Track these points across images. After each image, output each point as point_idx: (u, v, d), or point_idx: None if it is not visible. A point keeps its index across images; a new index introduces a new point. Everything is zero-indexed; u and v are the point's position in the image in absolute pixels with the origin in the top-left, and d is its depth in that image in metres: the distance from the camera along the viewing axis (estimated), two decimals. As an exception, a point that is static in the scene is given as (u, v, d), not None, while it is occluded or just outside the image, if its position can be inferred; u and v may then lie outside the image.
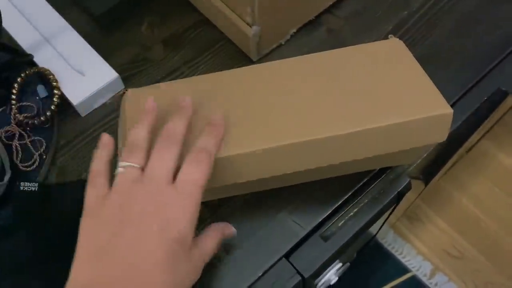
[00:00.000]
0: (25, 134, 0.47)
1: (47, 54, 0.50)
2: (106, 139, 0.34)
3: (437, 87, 0.38)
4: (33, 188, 0.43)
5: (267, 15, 0.46)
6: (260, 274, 0.40)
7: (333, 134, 0.35)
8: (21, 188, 0.43)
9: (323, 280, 0.49)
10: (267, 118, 0.37)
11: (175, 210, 0.29)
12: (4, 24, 0.50)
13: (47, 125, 0.47)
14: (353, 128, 0.35)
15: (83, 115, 0.49)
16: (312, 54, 0.42)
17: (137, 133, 0.32)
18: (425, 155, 0.46)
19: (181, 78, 0.51)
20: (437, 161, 0.53)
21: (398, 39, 0.42)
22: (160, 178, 0.30)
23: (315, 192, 0.44)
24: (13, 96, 0.47)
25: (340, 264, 0.49)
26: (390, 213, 0.58)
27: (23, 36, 0.51)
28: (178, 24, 0.55)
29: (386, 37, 0.53)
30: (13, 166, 0.45)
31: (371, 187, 0.44)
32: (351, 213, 0.44)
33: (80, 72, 0.49)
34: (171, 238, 0.29)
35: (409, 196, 0.55)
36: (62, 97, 0.48)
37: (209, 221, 0.43)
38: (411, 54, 0.41)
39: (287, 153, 0.35)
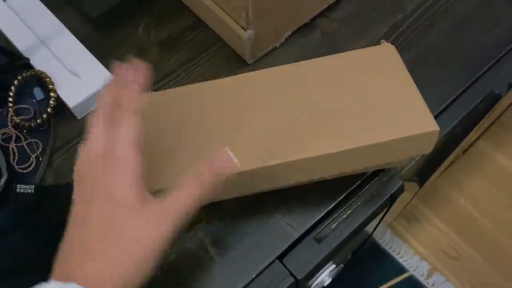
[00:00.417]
0: (21, 137, 0.47)
1: (43, 56, 0.50)
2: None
3: (433, 88, 0.39)
4: (29, 190, 0.44)
5: (261, 19, 0.47)
6: (253, 276, 0.41)
7: (320, 154, 0.36)
8: (18, 190, 0.43)
9: (316, 282, 0.50)
10: (248, 138, 0.37)
11: (114, 177, 0.30)
12: (0, 27, 0.50)
13: (43, 128, 0.48)
14: (341, 147, 0.36)
15: (79, 117, 0.49)
16: (304, 61, 0.42)
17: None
18: (418, 157, 0.47)
19: (177, 80, 0.52)
20: (431, 163, 0.53)
21: (390, 44, 0.43)
22: (93, 153, 0.32)
23: (308, 194, 0.44)
24: (10, 99, 0.48)
25: (334, 266, 0.50)
26: (384, 215, 0.58)
27: (19, 38, 0.51)
28: (174, 26, 0.55)
29: (381, 40, 0.53)
30: (10, 168, 0.45)
31: (364, 189, 0.45)
32: (345, 215, 0.44)
33: (76, 74, 0.49)
34: (114, 203, 0.30)
35: (404, 197, 0.55)
36: (59, 99, 0.48)
37: (203, 223, 0.43)
38: (402, 62, 0.41)
39: (275, 170, 0.36)
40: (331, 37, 0.54)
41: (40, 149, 0.47)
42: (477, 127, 0.57)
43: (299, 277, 0.41)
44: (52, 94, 0.47)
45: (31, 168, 0.46)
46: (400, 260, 1.17)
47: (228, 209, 0.44)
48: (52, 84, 0.48)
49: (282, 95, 0.40)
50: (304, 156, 0.36)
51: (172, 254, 0.42)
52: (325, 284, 0.53)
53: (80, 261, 0.29)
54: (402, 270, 1.16)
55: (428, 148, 0.39)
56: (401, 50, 0.45)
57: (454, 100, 0.50)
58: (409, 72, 0.41)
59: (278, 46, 0.53)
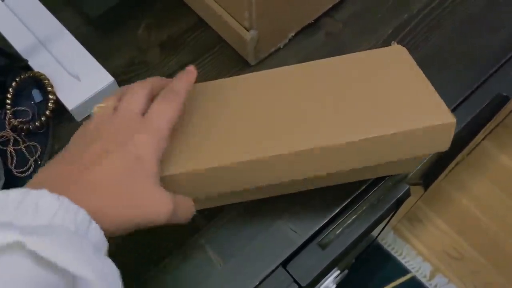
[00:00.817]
0: (19, 140, 0.46)
1: (42, 58, 0.49)
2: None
3: (438, 89, 0.37)
4: (27, 195, 0.43)
5: (264, 19, 0.46)
6: (256, 283, 0.40)
7: (333, 143, 0.34)
8: (16, 194, 0.42)
9: (321, 288, 0.49)
10: (266, 127, 0.36)
11: (142, 138, 0.31)
12: (-2, 28, 0.49)
13: (42, 130, 0.47)
14: (355, 137, 0.34)
15: (78, 120, 0.49)
16: (312, 61, 0.41)
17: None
18: (425, 161, 0.46)
19: (178, 82, 0.51)
20: (437, 166, 0.52)
21: (401, 46, 0.42)
22: (131, 110, 0.33)
23: (312, 199, 0.43)
24: (8, 101, 0.47)
25: (338, 272, 0.49)
26: (389, 219, 0.57)
27: (18, 39, 0.50)
28: (175, 27, 0.54)
29: (386, 40, 0.53)
30: (8, 172, 0.44)
31: (369, 194, 0.44)
32: (349, 221, 0.43)
33: (76, 76, 0.48)
34: (133, 156, 0.30)
35: (409, 200, 0.54)
36: (57, 101, 0.47)
37: (204, 229, 0.42)
38: (414, 62, 0.40)
39: (286, 162, 0.35)
40: (335, 37, 0.53)
41: (39, 152, 0.46)
42: (484, 129, 0.56)
43: (303, 284, 0.40)
44: (51, 96, 0.46)
45: (30, 172, 0.45)
46: (403, 261, 1.16)
47: (230, 215, 0.43)
48: (51, 86, 0.47)
49: (287, 93, 0.38)
50: (312, 146, 0.34)
51: (173, 260, 0.41)
52: (329, 289, 0.52)
53: (87, 191, 0.28)
54: (405, 271, 1.15)
55: (445, 144, 0.37)
56: (407, 52, 0.44)
57: (461, 102, 0.49)
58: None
59: (281, 47, 0.52)
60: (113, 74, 0.49)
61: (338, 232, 0.43)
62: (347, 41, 0.53)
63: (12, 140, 0.46)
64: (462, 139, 0.52)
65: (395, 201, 0.44)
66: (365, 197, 0.44)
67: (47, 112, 0.46)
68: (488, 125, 0.56)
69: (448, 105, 0.48)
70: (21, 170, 0.45)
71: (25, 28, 0.51)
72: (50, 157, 0.46)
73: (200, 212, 0.42)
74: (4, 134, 0.46)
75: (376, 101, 0.37)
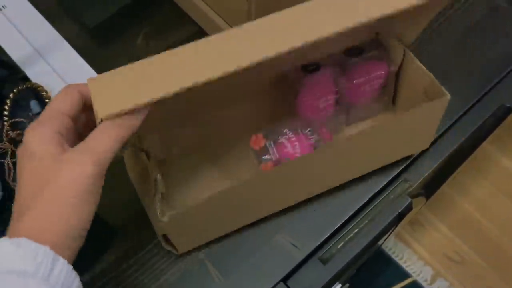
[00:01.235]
0: (17, 152, 0.46)
1: (40, 68, 0.49)
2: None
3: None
4: (25, 208, 0.42)
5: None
6: (257, 299, 0.40)
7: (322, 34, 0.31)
8: (13, 208, 0.42)
9: (322, 302, 0.48)
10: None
11: (34, 135, 0.32)
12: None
13: (40, 142, 0.46)
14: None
15: (77, 131, 0.48)
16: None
17: None
18: (427, 174, 0.45)
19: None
20: (438, 178, 0.51)
21: None
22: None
23: (313, 214, 0.43)
24: (5, 112, 0.46)
25: (340, 286, 0.48)
26: (392, 231, 0.57)
27: (15, 49, 0.50)
28: (174, 36, 0.54)
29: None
30: (5, 185, 0.44)
31: (371, 208, 0.43)
32: (351, 235, 0.43)
33: (74, 87, 0.48)
34: (37, 158, 0.31)
35: (411, 211, 0.54)
36: (56, 113, 0.47)
37: (204, 243, 0.42)
38: None
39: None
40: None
41: (37, 165, 0.45)
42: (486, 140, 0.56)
43: (304, 300, 0.40)
44: (48, 108, 0.46)
45: (28, 185, 0.44)
46: (404, 265, 1.16)
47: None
48: (49, 98, 0.46)
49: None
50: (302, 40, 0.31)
51: (173, 275, 0.41)
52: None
53: (18, 216, 0.30)
54: (406, 275, 1.15)
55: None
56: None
57: (463, 114, 0.48)
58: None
59: (281, 57, 0.51)
60: (111, 85, 0.48)
61: (339, 246, 0.42)
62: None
63: (9, 153, 0.45)
64: (465, 151, 0.52)
65: (397, 214, 0.43)
66: (367, 211, 0.43)
67: (45, 124, 0.46)
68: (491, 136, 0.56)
69: (450, 117, 0.48)
70: (19, 183, 0.44)
71: (23, 38, 0.51)
72: (48, 170, 0.46)
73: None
74: (1, 146, 0.46)
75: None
